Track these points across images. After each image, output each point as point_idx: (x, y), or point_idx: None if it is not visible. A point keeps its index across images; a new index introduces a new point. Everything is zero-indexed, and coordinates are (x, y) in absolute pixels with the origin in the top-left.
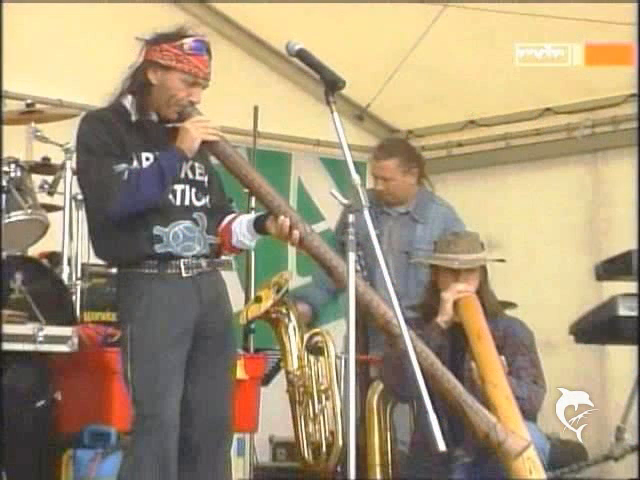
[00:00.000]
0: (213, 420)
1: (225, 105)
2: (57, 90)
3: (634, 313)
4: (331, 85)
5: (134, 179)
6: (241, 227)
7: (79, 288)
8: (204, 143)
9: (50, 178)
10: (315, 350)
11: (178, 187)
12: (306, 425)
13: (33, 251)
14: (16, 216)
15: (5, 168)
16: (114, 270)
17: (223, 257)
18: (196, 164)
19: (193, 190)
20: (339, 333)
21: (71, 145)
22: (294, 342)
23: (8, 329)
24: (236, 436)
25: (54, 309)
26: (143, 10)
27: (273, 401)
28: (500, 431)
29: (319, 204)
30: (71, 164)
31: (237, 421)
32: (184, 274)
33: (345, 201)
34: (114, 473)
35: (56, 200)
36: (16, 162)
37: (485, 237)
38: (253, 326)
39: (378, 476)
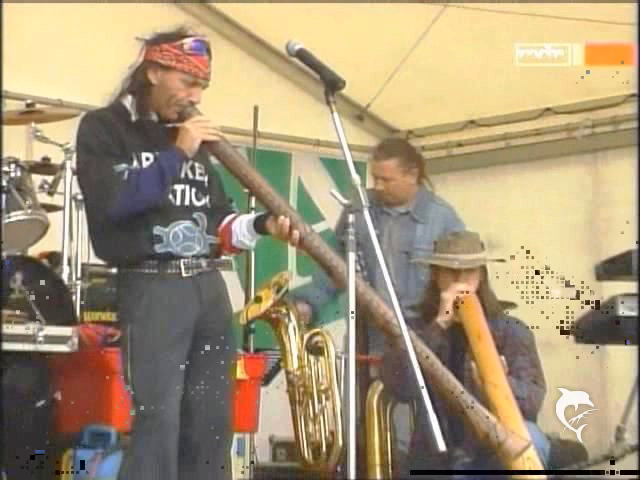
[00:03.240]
0: (213, 420)
1: (225, 105)
2: (57, 90)
3: (634, 313)
4: (331, 85)
5: (134, 179)
6: (241, 227)
7: (79, 288)
8: (204, 143)
9: (50, 178)
10: (315, 350)
11: (178, 187)
12: (306, 425)
13: (33, 251)
14: (16, 216)
15: (5, 168)
16: (114, 270)
17: (223, 257)
18: (196, 164)
19: (193, 190)
20: (339, 333)
21: (71, 145)
22: (294, 342)
23: (8, 329)
24: (236, 436)
25: (54, 309)
26: (143, 10)
27: (273, 401)
28: (500, 431)
29: (319, 204)
30: (71, 164)
31: (237, 421)
32: (184, 274)
33: (345, 201)
34: (114, 473)
35: (56, 200)
36: (16, 162)
37: (485, 237)
38: (253, 326)
39: (378, 476)
